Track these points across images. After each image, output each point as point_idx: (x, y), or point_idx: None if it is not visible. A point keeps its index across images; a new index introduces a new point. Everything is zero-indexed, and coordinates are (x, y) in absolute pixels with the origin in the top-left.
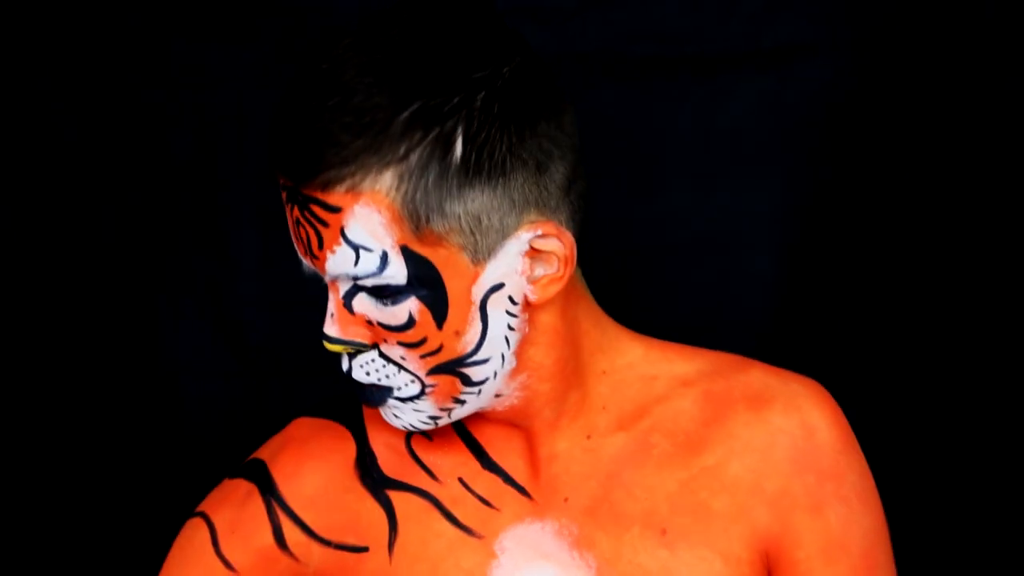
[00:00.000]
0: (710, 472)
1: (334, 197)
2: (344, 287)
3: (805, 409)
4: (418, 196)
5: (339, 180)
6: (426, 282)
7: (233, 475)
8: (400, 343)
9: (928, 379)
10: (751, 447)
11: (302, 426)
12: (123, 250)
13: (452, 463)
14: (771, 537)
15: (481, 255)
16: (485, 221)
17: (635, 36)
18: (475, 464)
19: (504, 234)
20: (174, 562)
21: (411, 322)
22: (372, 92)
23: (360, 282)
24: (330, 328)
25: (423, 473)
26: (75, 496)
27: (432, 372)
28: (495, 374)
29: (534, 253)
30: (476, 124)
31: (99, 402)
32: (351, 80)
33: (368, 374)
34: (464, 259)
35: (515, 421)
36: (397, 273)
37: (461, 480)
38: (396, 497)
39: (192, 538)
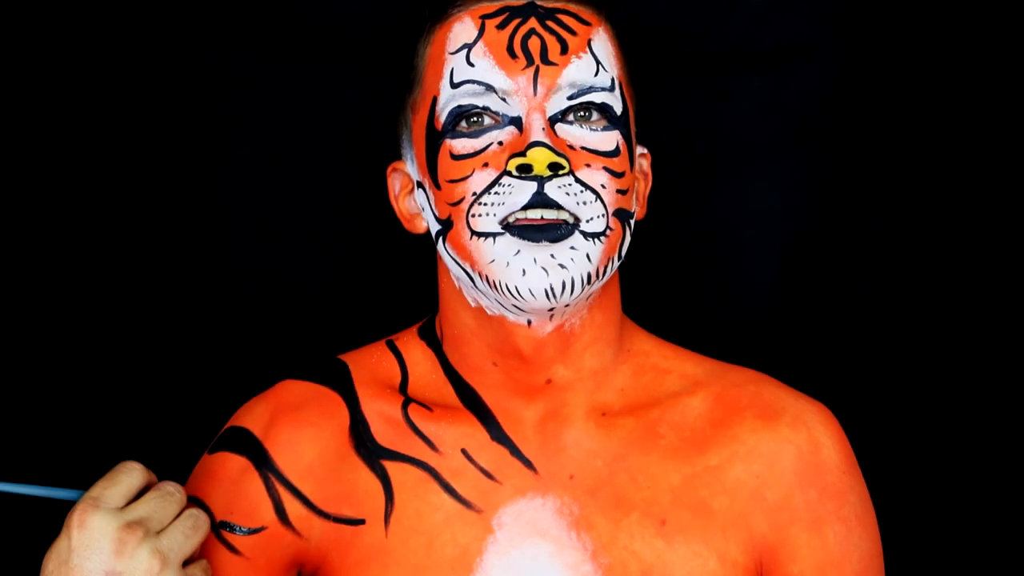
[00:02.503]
0: (712, 472)
1: (586, 12)
2: (558, 106)
3: (813, 426)
4: (624, 50)
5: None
6: (627, 123)
7: (216, 449)
8: (606, 168)
9: (928, 380)
10: (756, 454)
11: (291, 390)
12: (123, 250)
13: (457, 434)
14: (767, 546)
15: (635, 136)
16: (634, 112)
17: (635, 36)
18: (483, 435)
19: (636, 138)
20: None
21: (617, 150)
22: None
23: (589, 96)
24: (543, 136)
25: (421, 443)
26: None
27: (616, 213)
28: (623, 255)
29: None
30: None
31: (99, 404)
32: None
33: (568, 195)
34: (634, 129)
35: (550, 364)
36: (619, 100)
37: (464, 452)
38: (392, 467)
39: None
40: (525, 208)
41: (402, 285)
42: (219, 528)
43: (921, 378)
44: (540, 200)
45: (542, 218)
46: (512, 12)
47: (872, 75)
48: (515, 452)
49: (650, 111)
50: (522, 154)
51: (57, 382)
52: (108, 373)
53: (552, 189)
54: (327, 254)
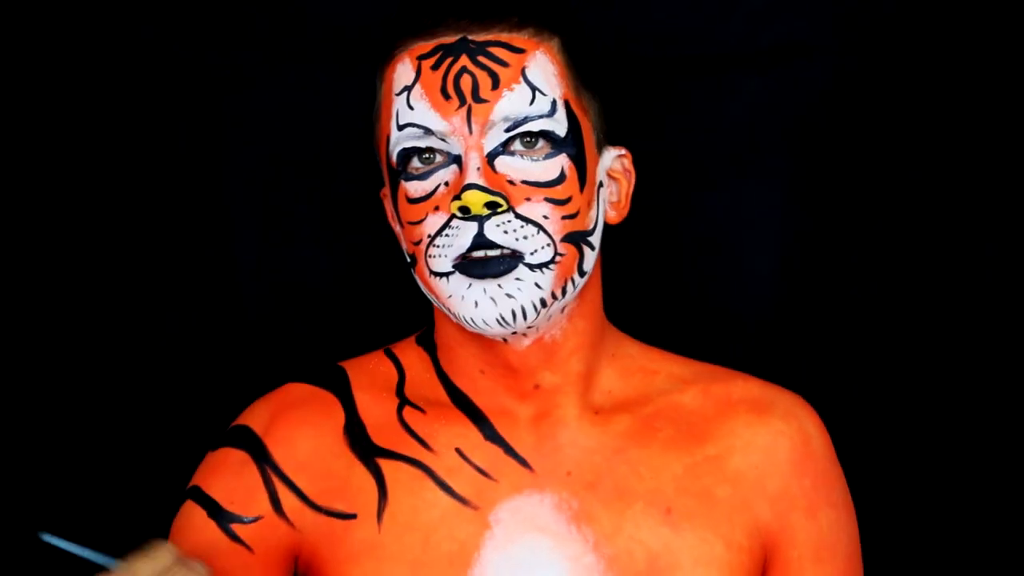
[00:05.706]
0: (712, 462)
1: (519, 39)
2: (495, 141)
3: (801, 418)
4: (579, 62)
5: (526, 23)
6: (577, 142)
7: (218, 445)
8: (547, 199)
9: (927, 381)
10: (754, 446)
11: (291, 392)
12: (123, 250)
13: (450, 434)
14: (769, 533)
15: (599, 145)
16: (602, 116)
17: (635, 36)
18: (477, 435)
19: (606, 140)
20: (178, 540)
21: (561, 178)
22: None
23: (526, 126)
24: (478, 178)
25: (415, 443)
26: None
27: (565, 239)
28: (591, 267)
29: (610, 175)
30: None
31: (101, 404)
32: None
33: (506, 232)
34: (593, 139)
35: (536, 372)
36: (561, 123)
37: (459, 451)
38: (386, 465)
39: (192, 514)
40: (470, 250)
41: (404, 284)
42: (225, 520)
43: (920, 379)
44: (481, 242)
45: (486, 255)
46: (445, 51)
47: (872, 75)
48: (509, 451)
49: (650, 111)
50: (459, 196)
51: (56, 385)
52: (107, 375)
53: (491, 229)
54: (328, 254)
